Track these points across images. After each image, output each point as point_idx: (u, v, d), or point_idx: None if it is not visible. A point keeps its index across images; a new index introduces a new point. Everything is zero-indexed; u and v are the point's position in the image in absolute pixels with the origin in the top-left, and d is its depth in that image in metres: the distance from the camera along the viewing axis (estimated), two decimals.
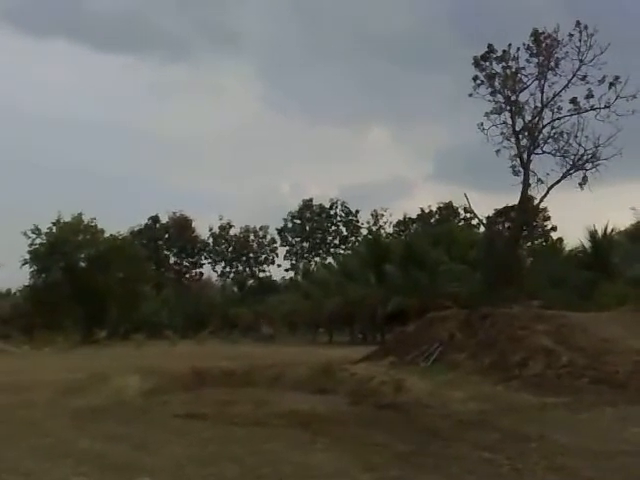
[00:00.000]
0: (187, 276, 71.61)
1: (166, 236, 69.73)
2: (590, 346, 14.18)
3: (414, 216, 66.76)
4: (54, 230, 45.92)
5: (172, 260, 71.38)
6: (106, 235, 48.10)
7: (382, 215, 70.80)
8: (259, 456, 7.91)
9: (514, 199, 24.07)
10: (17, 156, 78.40)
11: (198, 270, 72.17)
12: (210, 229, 71.60)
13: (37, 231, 45.66)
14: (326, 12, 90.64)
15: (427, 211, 66.72)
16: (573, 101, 22.33)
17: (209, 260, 72.41)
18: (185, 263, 71.85)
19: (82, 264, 46.94)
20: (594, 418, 9.98)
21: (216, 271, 72.22)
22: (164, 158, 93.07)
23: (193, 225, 70.17)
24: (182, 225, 69.43)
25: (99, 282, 44.08)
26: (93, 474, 7.10)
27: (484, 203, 75.00)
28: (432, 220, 64.95)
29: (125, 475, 7.04)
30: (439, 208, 66.65)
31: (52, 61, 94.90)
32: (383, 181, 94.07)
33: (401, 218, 67.98)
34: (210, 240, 71.96)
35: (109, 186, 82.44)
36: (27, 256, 45.49)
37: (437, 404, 11.41)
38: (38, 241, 45.72)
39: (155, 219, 69.14)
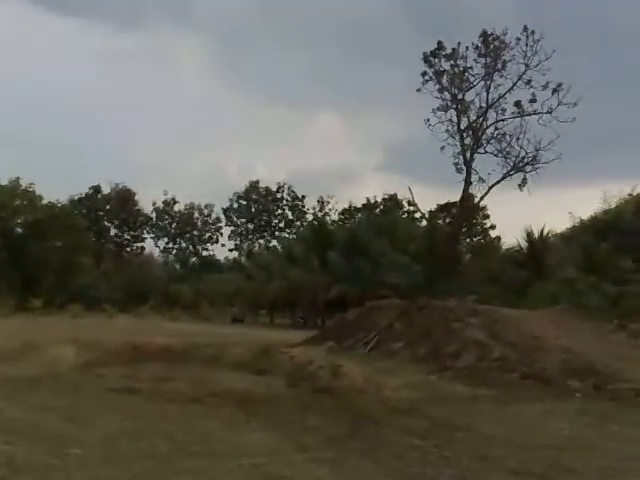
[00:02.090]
0: (128, 250, 70.42)
1: (107, 207, 68.29)
2: (521, 342, 14.62)
3: (359, 205, 67.41)
4: None
5: (113, 232, 70.03)
6: (44, 202, 46.86)
7: (328, 202, 71.31)
8: (192, 433, 7.95)
9: (456, 195, 24.66)
10: None
11: (140, 244, 71.22)
12: (154, 203, 70.70)
13: None
14: None
15: (372, 201, 67.35)
16: (517, 104, 22.96)
17: (151, 235, 71.52)
18: (126, 236, 70.61)
19: (18, 230, 45.64)
20: (521, 412, 10.31)
21: (158, 247, 71.47)
22: (110, 127, 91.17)
23: (136, 198, 69.05)
24: (124, 197, 68.14)
25: (36, 249, 42.94)
26: (21, 444, 6.98)
27: (429, 197, 76.51)
28: (377, 210, 65.60)
29: (54, 446, 6.94)
30: (384, 199, 67.40)
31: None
32: (332, 168, 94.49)
33: (346, 206, 68.59)
34: (153, 215, 70.97)
35: (50, 153, 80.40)
36: None
37: (371, 390, 11.61)
38: None
39: (97, 189, 67.64)
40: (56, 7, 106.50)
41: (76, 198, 63.69)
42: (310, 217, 70.66)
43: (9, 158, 70.49)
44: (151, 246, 71.06)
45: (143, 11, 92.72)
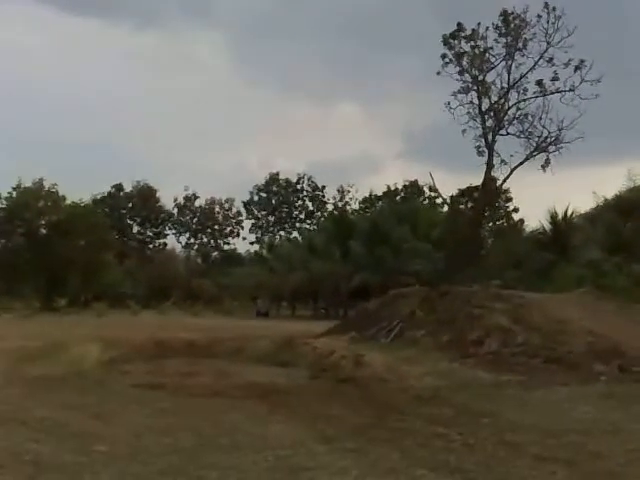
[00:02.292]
0: (151, 246, 70.93)
1: (130, 205, 68.82)
2: (546, 326, 14.47)
3: (380, 193, 67.10)
4: (14, 195, 45.04)
5: (135, 230, 70.57)
6: (68, 202, 47.35)
7: (348, 191, 71.08)
8: (216, 427, 7.98)
9: (478, 179, 24.32)
10: None
11: (162, 241, 71.68)
12: (175, 200, 71.03)
13: None
14: None
15: (393, 189, 67.01)
16: (539, 83, 22.51)
17: (173, 231, 71.93)
18: (149, 233, 71.14)
19: (43, 231, 46.19)
20: (546, 397, 10.22)
21: (180, 242, 71.83)
22: (130, 126, 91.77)
23: (157, 195, 69.48)
24: (146, 194, 68.58)
25: (60, 249, 43.40)
26: (49, 442, 7.06)
27: (451, 182, 75.88)
28: (397, 198, 65.26)
29: (81, 444, 6.99)
30: (405, 186, 67.02)
31: (17, 23, 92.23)
32: (351, 157, 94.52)
33: (367, 195, 68.31)
34: (175, 211, 71.39)
35: (73, 153, 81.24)
36: None
37: (394, 379, 11.61)
38: None
39: (119, 187, 68.16)
40: (75, 8, 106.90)
41: (99, 197, 64.39)
42: (331, 207, 70.67)
43: (31, 159, 71.43)
44: (173, 242, 71.58)
45: (162, 9, 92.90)
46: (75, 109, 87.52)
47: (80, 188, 55.91)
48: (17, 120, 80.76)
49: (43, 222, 46.38)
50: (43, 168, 68.68)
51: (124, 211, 68.50)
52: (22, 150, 78.74)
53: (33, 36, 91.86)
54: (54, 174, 71.59)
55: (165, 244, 71.21)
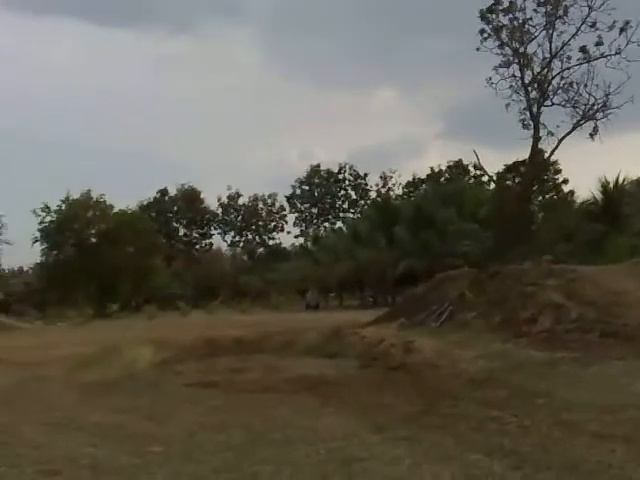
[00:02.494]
0: (197, 247, 71.89)
1: (175, 208, 69.85)
2: (600, 300, 14.04)
3: (423, 176, 66.35)
4: (63, 207, 46.20)
5: (182, 232, 71.62)
6: (115, 210, 48.38)
7: (391, 177, 70.58)
8: (268, 422, 7.98)
9: (524, 154, 23.71)
10: (24, 135, 78.69)
11: (208, 241, 72.60)
12: (219, 199, 71.76)
13: (47, 209, 46.12)
14: None
15: (437, 170, 66.14)
16: (582, 49, 21.73)
17: (219, 230, 72.71)
18: (195, 234, 72.11)
19: (92, 240, 47.29)
20: (602, 372, 9.90)
21: (226, 241, 72.59)
22: (171, 130, 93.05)
23: (202, 196, 70.36)
24: (191, 197, 69.54)
25: (110, 257, 44.40)
26: (105, 446, 7.14)
27: (495, 159, 74.47)
28: (442, 179, 64.41)
29: (136, 446, 7.07)
30: (449, 167, 66.10)
31: (55, 39, 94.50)
32: (392, 142, 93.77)
33: (410, 179, 67.62)
34: (219, 210, 72.12)
35: (117, 161, 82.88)
36: (38, 234, 46.07)
37: (446, 364, 11.42)
38: (48, 219, 46.18)
39: (164, 192, 69.26)
40: (104, 20, 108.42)
41: (145, 203, 65.52)
42: (374, 194, 70.29)
43: (79, 170, 73.11)
44: (219, 241, 72.43)
45: (193, 13, 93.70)
46: (112, 116, 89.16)
47: (124, 194, 57.09)
48: (60, 132, 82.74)
49: (92, 231, 47.50)
50: (90, 178, 70.22)
51: (170, 215, 69.58)
52: (67, 159, 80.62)
53: (70, 48, 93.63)
54: (101, 183, 73.21)
55: (211, 244, 72.25)
